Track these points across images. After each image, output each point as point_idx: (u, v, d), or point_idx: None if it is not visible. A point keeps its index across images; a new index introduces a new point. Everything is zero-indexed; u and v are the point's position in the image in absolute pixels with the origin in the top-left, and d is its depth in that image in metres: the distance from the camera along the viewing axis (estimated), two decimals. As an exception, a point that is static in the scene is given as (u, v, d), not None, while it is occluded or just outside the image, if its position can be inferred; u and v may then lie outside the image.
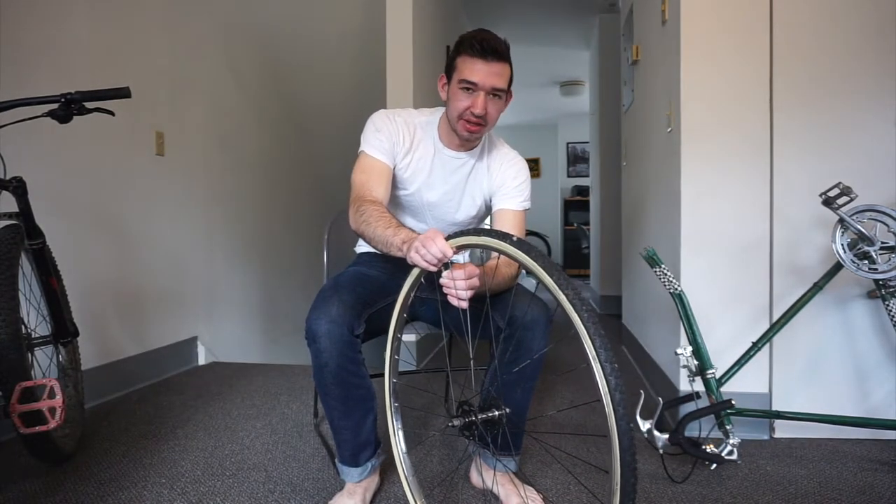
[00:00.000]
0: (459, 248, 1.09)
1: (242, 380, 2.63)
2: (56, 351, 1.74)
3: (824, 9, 1.85)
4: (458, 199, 1.52)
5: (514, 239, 0.99)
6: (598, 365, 0.83)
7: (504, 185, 1.49)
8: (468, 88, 1.33)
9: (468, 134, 1.39)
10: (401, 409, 1.33)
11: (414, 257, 1.11)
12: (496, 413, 1.14)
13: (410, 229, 1.23)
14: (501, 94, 1.36)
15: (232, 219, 3.34)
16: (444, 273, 1.12)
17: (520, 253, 0.97)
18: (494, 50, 1.31)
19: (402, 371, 1.34)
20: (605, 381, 0.83)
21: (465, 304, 1.12)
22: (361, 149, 1.44)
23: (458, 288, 1.11)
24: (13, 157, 1.59)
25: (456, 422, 1.14)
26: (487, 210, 1.58)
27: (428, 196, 1.50)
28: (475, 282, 1.14)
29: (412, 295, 1.22)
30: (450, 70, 1.39)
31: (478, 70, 1.32)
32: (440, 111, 1.51)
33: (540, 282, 0.94)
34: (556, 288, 0.90)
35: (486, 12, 4.91)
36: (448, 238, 1.10)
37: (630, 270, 3.16)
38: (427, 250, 1.08)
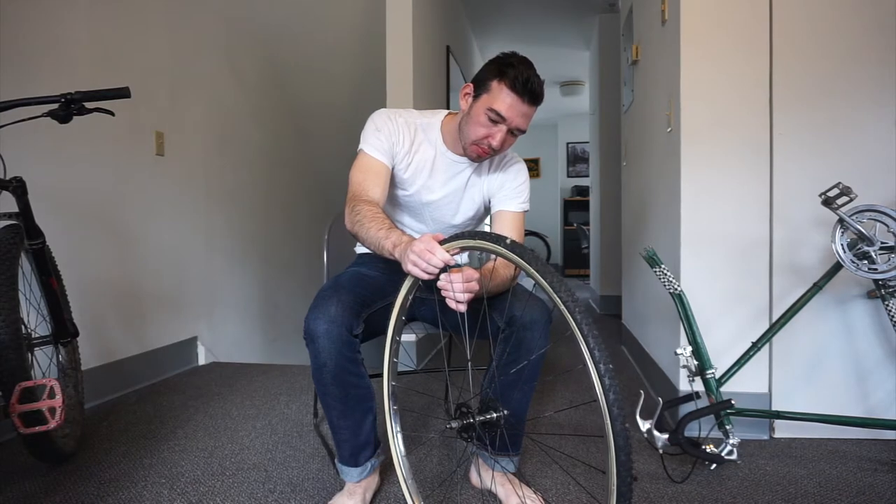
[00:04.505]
0: (464, 250, 1.09)
1: (242, 380, 2.63)
2: (56, 351, 1.74)
3: (824, 8, 1.85)
4: (458, 202, 1.52)
5: (509, 241, 0.99)
6: (593, 365, 0.84)
7: (503, 186, 1.49)
8: (493, 119, 1.32)
9: (475, 157, 1.41)
10: (399, 411, 1.33)
11: (412, 269, 1.10)
12: (494, 415, 1.13)
13: (403, 231, 1.23)
14: (519, 134, 1.37)
15: (232, 219, 3.34)
16: (443, 276, 1.11)
17: (514, 255, 0.97)
18: (535, 94, 1.30)
19: (400, 371, 1.34)
20: (599, 382, 0.83)
21: (463, 308, 1.12)
22: (360, 147, 1.44)
23: (457, 292, 1.11)
24: (13, 157, 1.59)
25: (454, 424, 1.14)
26: (486, 211, 1.58)
27: (428, 197, 1.50)
28: (474, 285, 1.14)
29: (410, 298, 1.22)
30: (481, 87, 1.34)
31: (511, 107, 1.30)
32: (441, 114, 1.51)
33: (536, 283, 0.94)
34: (551, 290, 0.90)
35: (487, 12, 4.91)
36: (443, 242, 1.10)
37: (630, 270, 3.16)
38: (427, 262, 1.08)
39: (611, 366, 0.83)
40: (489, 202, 1.53)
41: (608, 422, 0.82)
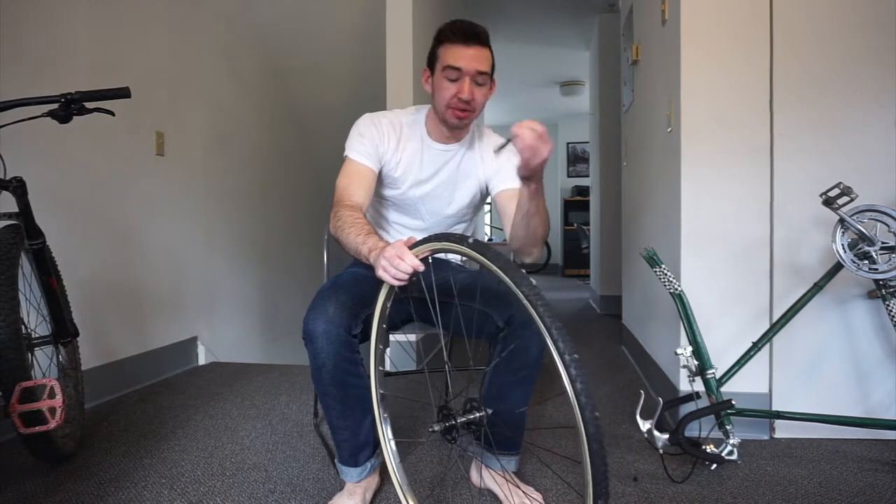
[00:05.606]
0: (434, 252, 1.09)
1: (242, 380, 2.63)
2: (56, 351, 1.74)
3: (824, 8, 1.85)
4: (451, 191, 1.52)
5: (471, 241, 1.01)
6: (559, 356, 0.84)
7: (500, 168, 1.50)
8: (453, 77, 1.36)
9: (457, 121, 1.41)
10: (390, 418, 1.33)
11: (383, 275, 1.11)
12: (477, 415, 1.13)
13: (379, 237, 1.23)
14: (485, 81, 1.39)
15: (232, 219, 3.34)
16: (515, 124, 1.11)
17: (476, 254, 0.98)
18: (475, 34, 1.35)
19: (387, 373, 1.33)
20: (566, 372, 0.83)
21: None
22: (346, 154, 1.47)
23: (527, 137, 1.10)
24: (13, 157, 1.59)
25: (436, 427, 1.14)
26: (483, 198, 1.58)
27: (421, 191, 1.51)
28: (542, 134, 1.12)
29: (388, 306, 1.22)
30: (432, 61, 1.42)
31: (461, 55, 1.35)
32: (425, 108, 1.53)
33: (499, 280, 0.94)
34: (513, 284, 0.91)
35: (487, 12, 4.90)
36: (413, 246, 1.10)
37: (630, 270, 3.16)
38: (396, 268, 1.08)
39: (576, 356, 0.83)
40: (487, 187, 1.53)
41: (577, 412, 0.82)
